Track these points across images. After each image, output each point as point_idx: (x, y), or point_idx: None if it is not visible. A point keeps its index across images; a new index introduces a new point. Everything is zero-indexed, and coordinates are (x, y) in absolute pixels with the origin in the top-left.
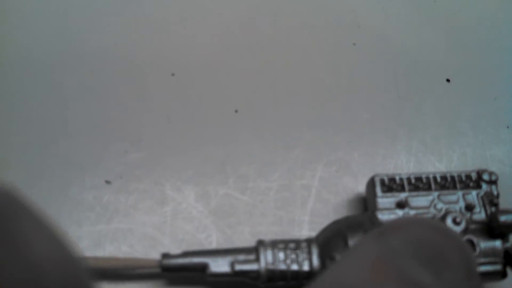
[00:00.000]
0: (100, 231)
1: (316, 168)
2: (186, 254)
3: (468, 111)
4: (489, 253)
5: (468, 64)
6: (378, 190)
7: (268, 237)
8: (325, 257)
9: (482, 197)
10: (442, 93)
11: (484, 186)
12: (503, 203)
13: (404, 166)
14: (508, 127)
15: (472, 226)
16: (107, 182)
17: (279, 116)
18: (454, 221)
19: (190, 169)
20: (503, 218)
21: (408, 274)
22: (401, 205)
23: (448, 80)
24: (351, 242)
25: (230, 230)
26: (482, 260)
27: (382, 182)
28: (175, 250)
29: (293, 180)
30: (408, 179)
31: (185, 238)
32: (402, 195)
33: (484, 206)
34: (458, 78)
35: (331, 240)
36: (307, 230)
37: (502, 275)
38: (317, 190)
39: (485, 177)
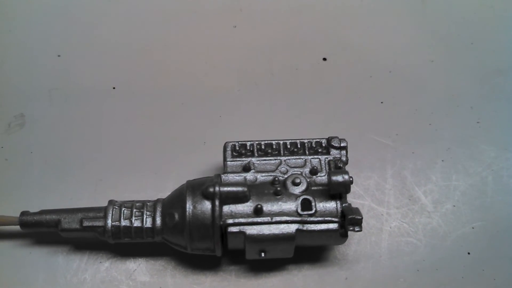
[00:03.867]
0: None
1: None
2: (42, 212)
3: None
4: (326, 213)
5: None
6: (228, 155)
7: None
8: (165, 214)
9: (329, 162)
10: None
11: (334, 152)
12: None
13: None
14: (382, 102)
15: (314, 188)
16: None
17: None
18: (294, 182)
19: None
20: (334, 177)
21: None
22: (247, 168)
23: (324, 59)
24: (188, 200)
25: None
26: (319, 219)
27: (233, 147)
28: None
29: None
30: (259, 144)
31: None
32: (250, 160)
33: (330, 176)
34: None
35: (173, 199)
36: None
37: (342, 234)
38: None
39: (335, 143)
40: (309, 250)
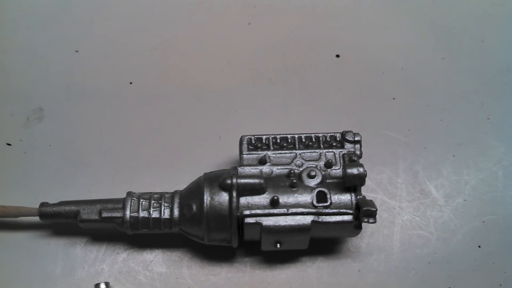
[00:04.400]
0: None
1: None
2: (61, 203)
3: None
4: (341, 205)
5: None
6: (244, 148)
7: None
8: (183, 205)
9: (343, 155)
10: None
11: (348, 146)
12: None
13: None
14: (394, 98)
15: (329, 181)
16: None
17: None
18: (309, 175)
19: None
20: (349, 170)
21: None
22: (263, 161)
23: (337, 56)
24: (206, 191)
25: None
26: (334, 211)
27: (249, 141)
28: None
29: None
30: (274, 138)
31: None
32: (266, 153)
33: (343, 163)
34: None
35: (190, 191)
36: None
37: (356, 226)
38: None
39: (349, 137)
40: (322, 243)
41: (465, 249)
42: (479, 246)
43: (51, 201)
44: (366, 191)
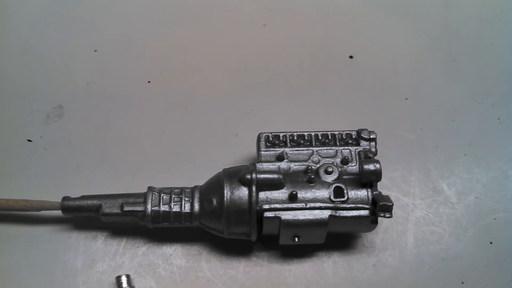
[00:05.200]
0: None
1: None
2: (83, 197)
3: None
4: (357, 200)
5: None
6: (262, 145)
7: None
8: (203, 200)
9: (359, 153)
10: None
11: (363, 143)
12: None
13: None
14: (406, 99)
15: (346, 177)
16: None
17: None
18: (326, 171)
19: None
20: (366, 166)
21: None
22: (280, 157)
23: (351, 57)
24: (226, 186)
25: None
26: (351, 206)
27: (267, 138)
28: None
29: None
30: (291, 135)
31: None
32: (283, 150)
33: (360, 160)
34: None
35: (210, 186)
36: None
37: (372, 221)
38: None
39: (364, 135)
40: (338, 238)
41: (477, 246)
42: (491, 243)
43: (71, 196)
44: (380, 189)
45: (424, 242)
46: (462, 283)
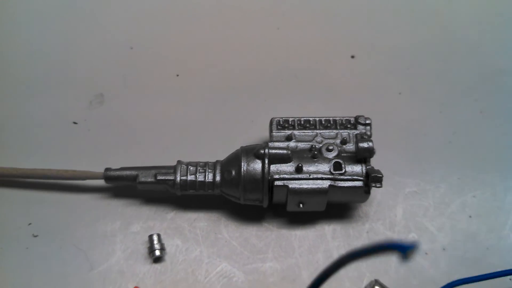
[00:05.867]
0: None
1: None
2: (123, 168)
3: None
4: (353, 173)
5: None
6: (274, 127)
7: None
8: (224, 171)
9: (356, 135)
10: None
11: (360, 127)
12: None
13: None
14: (400, 93)
15: (344, 154)
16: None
17: None
18: (327, 149)
19: None
20: (361, 144)
21: None
22: (289, 138)
23: (352, 57)
24: (243, 160)
25: None
26: (348, 177)
27: (278, 122)
28: None
29: None
30: (299, 120)
31: None
32: (292, 132)
33: (356, 141)
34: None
35: (230, 160)
36: None
37: (366, 191)
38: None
39: (361, 120)
40: (337, 209)
41: (458, 219)
42: (470, 216)
43: None
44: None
45: (411, 214)
46: (444, 249)
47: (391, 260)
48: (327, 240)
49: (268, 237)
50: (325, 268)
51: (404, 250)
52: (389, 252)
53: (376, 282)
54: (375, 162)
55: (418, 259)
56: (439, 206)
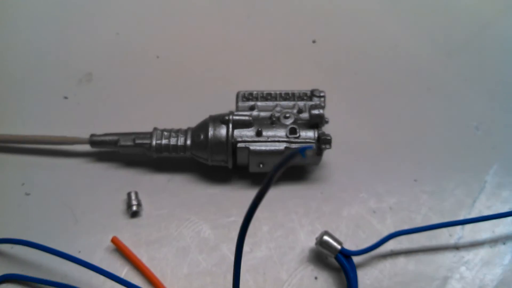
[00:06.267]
0: None
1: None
2: (106, 134)
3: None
4: (306, 137)
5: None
6: (239, 99)
7: None
8: (194, 135)
9: (311, 106)
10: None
11: (315, 99)
12: None
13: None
14: (356, 74)
15: (300, 122)
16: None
17: None
18: (285, 117)
19: None
20: (313, 111)
21: None
22: (252, 108)
23: (314, 41)
24: (210, 125)
25: None
26: (301, 140)
27: (243, 95)
28: None
29: None
30: (261, 93)
31: None
32: (255, 103)
33: (310, 110)
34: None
35: (199, 126)
36: None
37: (318, 153)
38: None
39: (316, 93)
40: (294, 172)
41: (404, 181)
42: (415, 180)
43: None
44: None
45: (358, 179)
46: (390, 208)
47: (342, 216)
48: (286, 198)
49: (233, 196)
50: (260, 188)
51: (302, 151)
52: (296, 156)
53: (326, 232)
54: (330, 129)
55: (367, 217)
56: (389, 172)
